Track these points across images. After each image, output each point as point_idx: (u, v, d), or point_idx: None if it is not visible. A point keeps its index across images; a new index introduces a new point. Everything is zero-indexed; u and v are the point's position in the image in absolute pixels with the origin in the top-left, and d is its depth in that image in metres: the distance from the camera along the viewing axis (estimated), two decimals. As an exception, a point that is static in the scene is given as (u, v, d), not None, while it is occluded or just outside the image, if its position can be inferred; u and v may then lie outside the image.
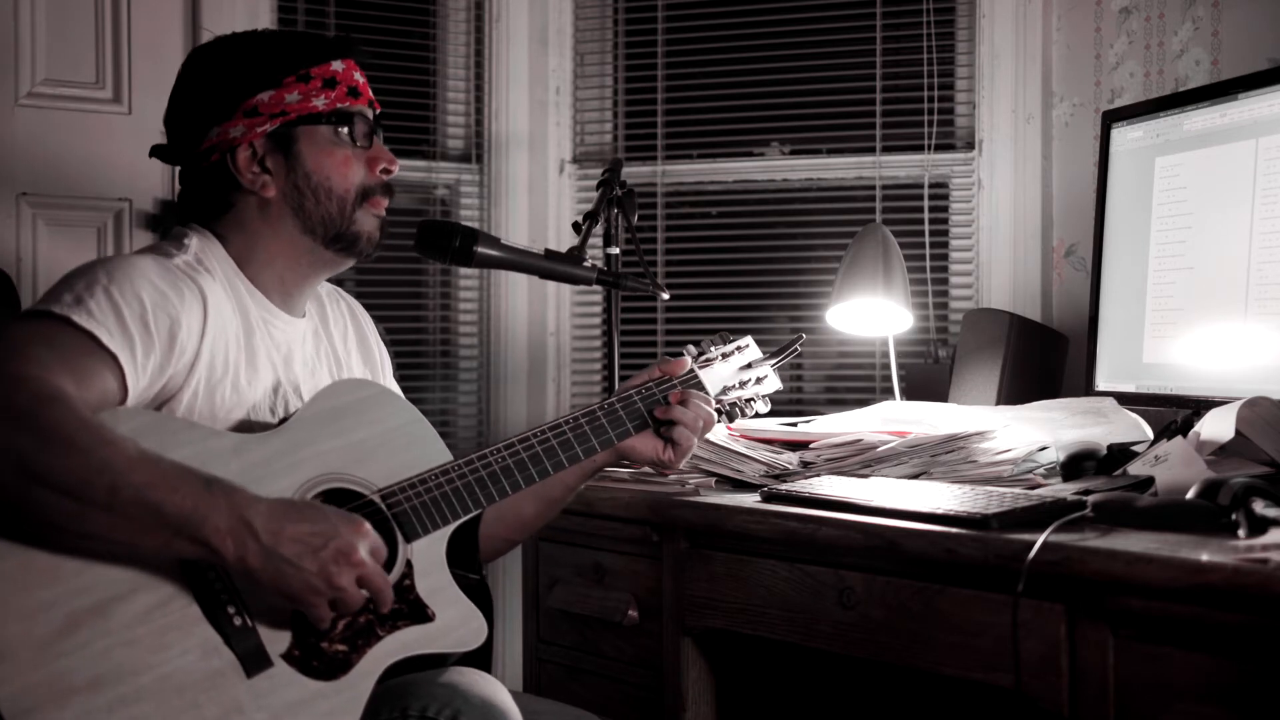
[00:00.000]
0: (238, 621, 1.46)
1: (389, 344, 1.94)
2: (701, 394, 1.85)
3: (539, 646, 2.27)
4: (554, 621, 2.23)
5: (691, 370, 1.87)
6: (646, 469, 2.01)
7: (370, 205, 1.71)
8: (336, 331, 1.83)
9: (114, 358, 1.48)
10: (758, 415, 1.98)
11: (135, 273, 1.54)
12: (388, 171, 1.72)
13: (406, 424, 1.67)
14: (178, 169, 1.75)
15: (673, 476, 2.05)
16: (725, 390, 1.91)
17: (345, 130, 1.68)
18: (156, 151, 1.76)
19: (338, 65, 1.69)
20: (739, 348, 1.94)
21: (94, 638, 1.39)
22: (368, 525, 1.48)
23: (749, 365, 1.94)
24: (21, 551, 1.39)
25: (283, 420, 1.62)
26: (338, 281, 1.87)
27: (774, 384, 1.97)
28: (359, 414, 1.63)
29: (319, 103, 1.67)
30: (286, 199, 1.68)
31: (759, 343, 2.00)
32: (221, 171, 1.67)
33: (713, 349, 1.91)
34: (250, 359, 1.65)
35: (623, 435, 1.79)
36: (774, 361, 1.97)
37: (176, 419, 1.55)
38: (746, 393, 1.93)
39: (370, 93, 1.73)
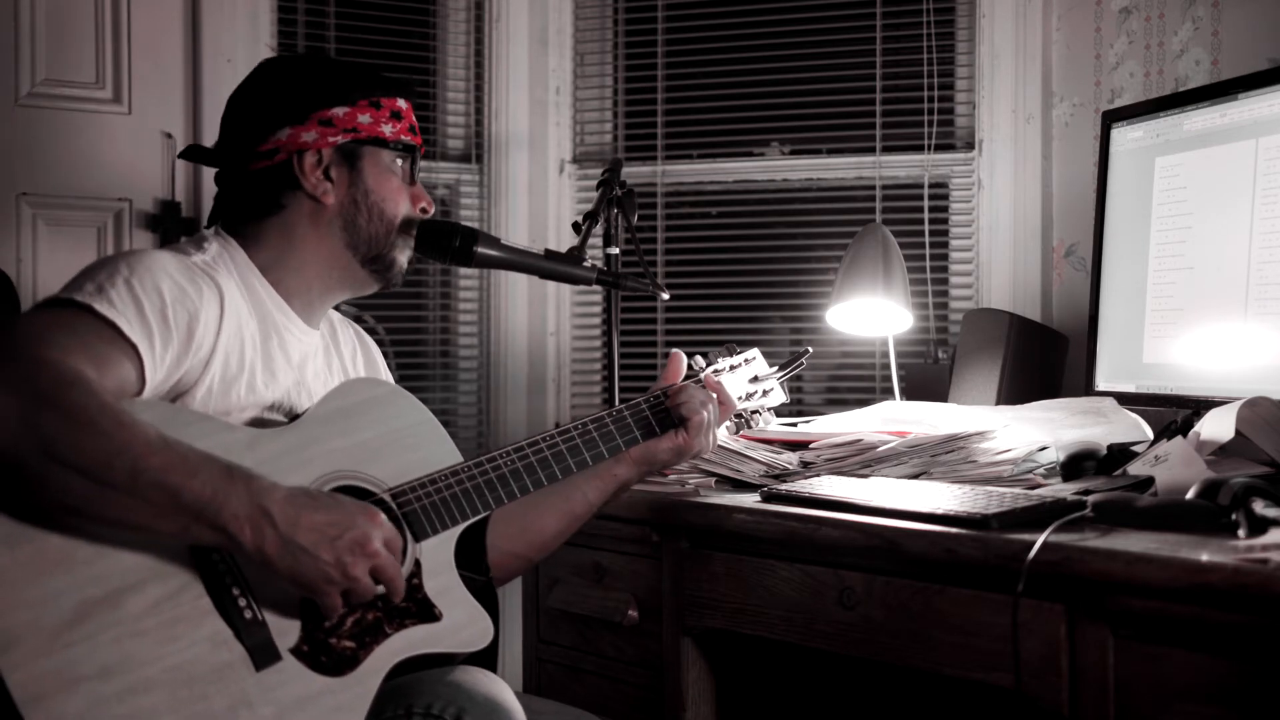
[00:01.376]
0: (248, 615, 1.47)
1: (390, 354, 1.95)
2: (695, 385, 1.86)
3: (539, 646, 2.27)
4: (554, 621, 2.23)
5: (693, 370, 1.89)
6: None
7: (409, 237, 1.78)
8: (346, 352, 1.86)
9: (133, 347, 1.50)
10: (763, 427, 1.99)
11: (156, 266, 1.56)
12: (425, 211, 1.80)
13: (417, 424, 1.68)
14: (214, 171, 1.78)
15: (672, 476, 2.06)
16: None
17: (403, 162, 1.76)
18: (192, 154, 1.80)
19: (403, 103, 1.78)
20: (746, 360, 1.96)
21: (103, 627, 1.40)
22: (383, 516, 1.49)
23: (756, 378, 1.95)
24: (34, 539, 1.39)
25: (295, 418, 1.63)
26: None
27: (779, 397, 1.98)
28: (370, 413, 1.64)
29: (387, 129, 1.74)
30: (342, 210, 1.73)
31: (759, 344, 2.00)
32: (282, 172, 1.71)
33: (721, 360, 1.93)
34: (267, 361, 1.66)
35: (630, 442, 1.80)
36: (780, 375, 1.99)
37: (191, 411, 1.56)
38: (752, 404, 1.95)
39: (421, 137, 1.81)
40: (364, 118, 1.73)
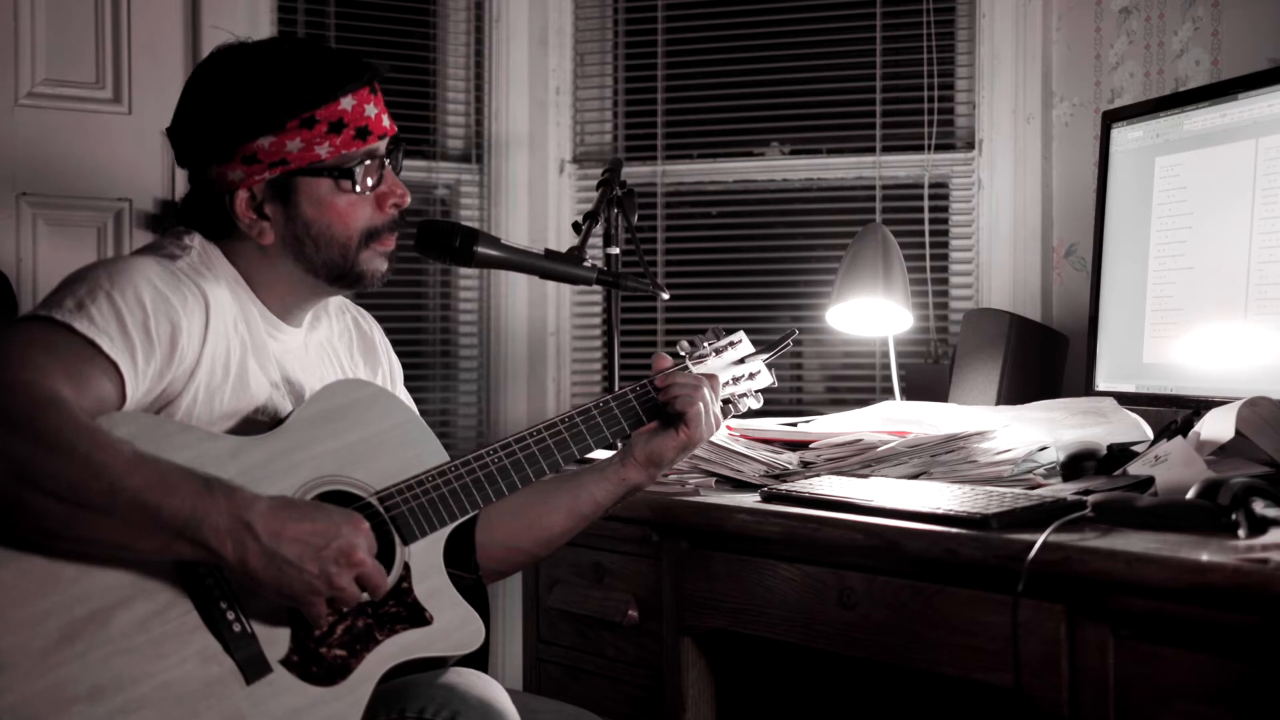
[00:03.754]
0: (236, 628, 1.46)
1: (398, 352, 1.93)
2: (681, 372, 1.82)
3: (539, 646, 2.27)
4: (554, 621, 2.23)
5: (681, 359, 1.84)
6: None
7: (377, 245, 1.66)
8: (341, 344, 1.81)
9: (114, 365, 1.47)
10: (750, 411, 1.96)
11: (138, 276, 1.52)
12: (398, 205, 1.66)
13: (402, 424, 1.66)
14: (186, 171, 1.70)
15: (672, 476, 2.05)
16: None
17: (348, 179, 1.61)
18: (169, 134, 1.69)
19: (346, 104, 1.59)
20: (732, 343, 1.92)
21: (92, 647, 1.39)
22: (367, 524, 1.47)
23: (742, 360, 1.92)
24: (18, 560, 1.38)
25: (279, 422, 1.60)
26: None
27: (766, 379, 1.95)
28: (355, 415, 1.62)
29: (322, 151, 1.59)
30: (285, 245, 1.63)
31: (757, 343, 1.99)
32: (220, 207, 1.61)
33: (706, 344, 1.89)
34: (250, 364, 1.63)
35: (618, 434, 1.77)
36: (766, 356, 1.95)
37: (173, 422, 1.53)
38: (740, 388, 1.91)
39: (385, 121, 1.64)
40: (293, 144, 1.57)
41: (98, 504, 1.35)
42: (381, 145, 1.64)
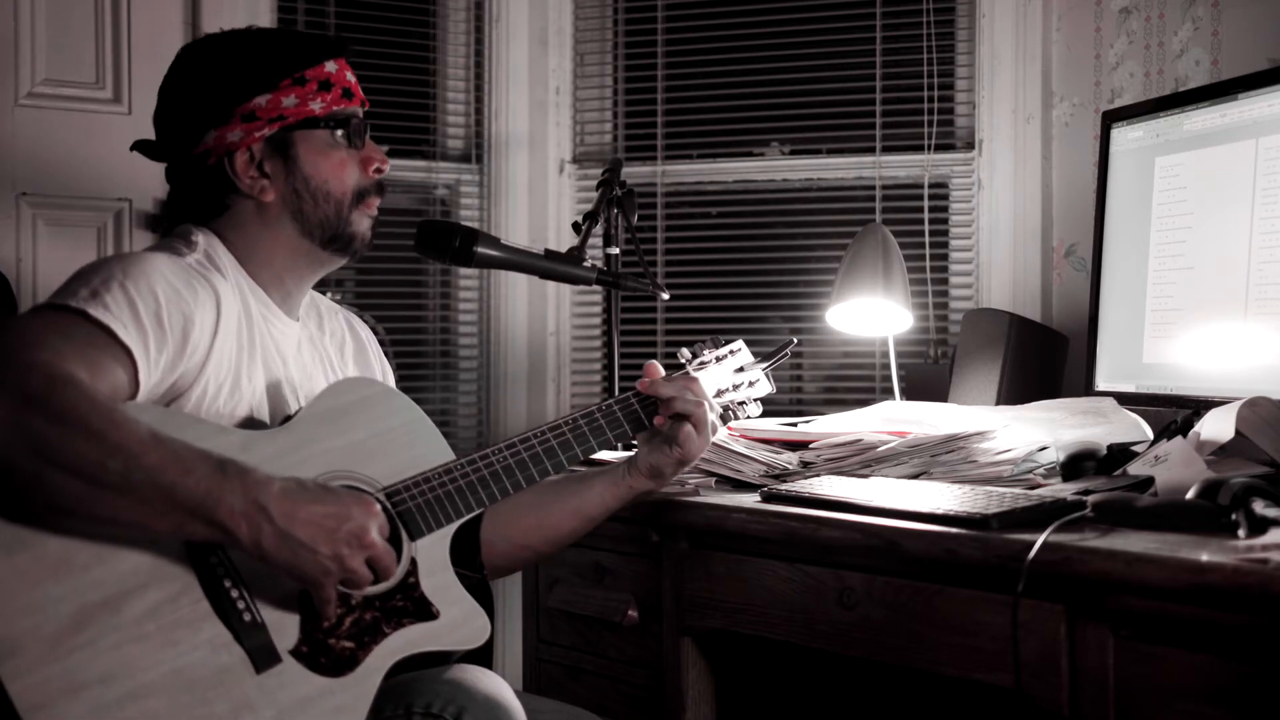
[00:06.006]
0: (247, 617, 1.47)
1: (391, 355, 1.94)
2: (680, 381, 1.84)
3: (539, 646, 2.27)
4: (554, 621, 2.23)
5: (682, 367, 1.88)
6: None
7: (365, 207, 1.73)
8: (333, 344, 1.85)
9: (127, 351, 1.49)
10: (749, 418, 1.98)
11: (151, 269, 1.55)
12: (380, 171, 1.74)
13: (409, 422, 1.68)
14: (164, 166, 1.74)
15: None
16: (719, 393, 1.92)
17: (341, 133, 1.70)
18: (141, 147, 1.75)
19: (331, 66, 1.70)
20: (731, 351, 1.95)
21: (104, 633, 1.40)
22: (377, 506, 1.50)
23: (741, 369, 1.95)
24: (32, 545, 1.39)
25: (288, 418, 1.63)
26: (339, 279, 1.88)
27: (765, 388, 1.98)
28: (362, 412, 1.64)
29: (315, 106, 1.68)
30: (285, 203, 1.69)
31: (759, 343, 2.00)
32: (218, 174, 1.67)
33: (706, 352, 1.92)
34: (252, 357, 1.66)
35: (620, 437, 1.80)
36: (765, 365, 1.98)
37: (184, 414, 1.56)
38: (739, 395, 1.94)
39: (360, 91, 1.74)
40: (289, 100, 1.66)
41: (113, 482, 1.36)
42: (361, 112, 1.74)
